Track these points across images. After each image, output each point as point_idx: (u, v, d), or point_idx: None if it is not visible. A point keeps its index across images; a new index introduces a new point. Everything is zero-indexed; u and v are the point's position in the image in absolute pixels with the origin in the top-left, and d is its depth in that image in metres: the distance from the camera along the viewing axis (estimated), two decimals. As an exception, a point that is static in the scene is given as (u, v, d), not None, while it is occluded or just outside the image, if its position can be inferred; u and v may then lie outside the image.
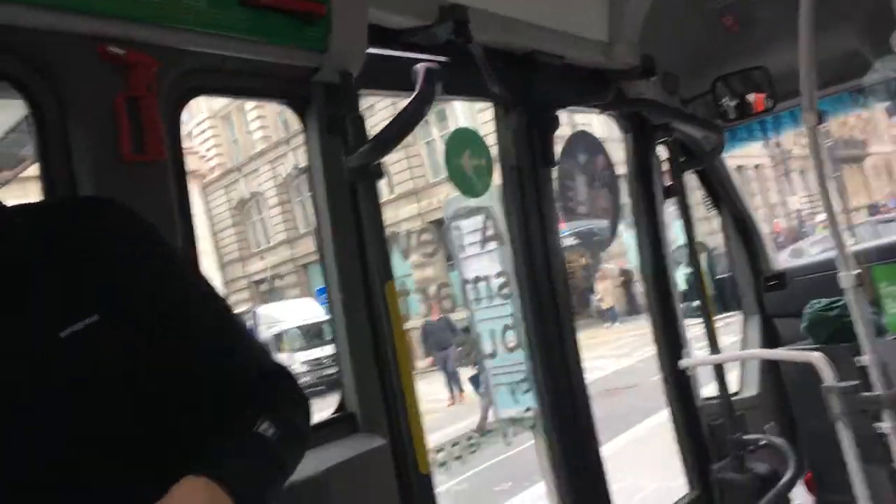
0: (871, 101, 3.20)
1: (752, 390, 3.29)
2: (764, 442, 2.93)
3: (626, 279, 18.66)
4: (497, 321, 2.99)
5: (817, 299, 2.93)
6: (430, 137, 19.51)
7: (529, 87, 2.36)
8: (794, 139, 23.69)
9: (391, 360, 1.77)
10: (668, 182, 3.09)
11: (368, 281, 1.80)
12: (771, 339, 3.43)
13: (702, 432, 2.96)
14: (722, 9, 2.79)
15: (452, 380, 12.24)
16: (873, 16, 2.64)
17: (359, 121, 1.76)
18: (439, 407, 11.09)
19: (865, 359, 2.22)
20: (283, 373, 1.09)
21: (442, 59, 2.00)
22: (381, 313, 1.78)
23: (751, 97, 2.97)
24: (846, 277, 2.29)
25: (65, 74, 1.31)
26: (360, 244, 1.80)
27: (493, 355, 2.39)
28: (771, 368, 3.23)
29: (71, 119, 1.32)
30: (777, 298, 3.44)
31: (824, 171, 2.53)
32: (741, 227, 3.52)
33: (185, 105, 1.53)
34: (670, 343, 3.03)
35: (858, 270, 2.30)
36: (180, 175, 1.48)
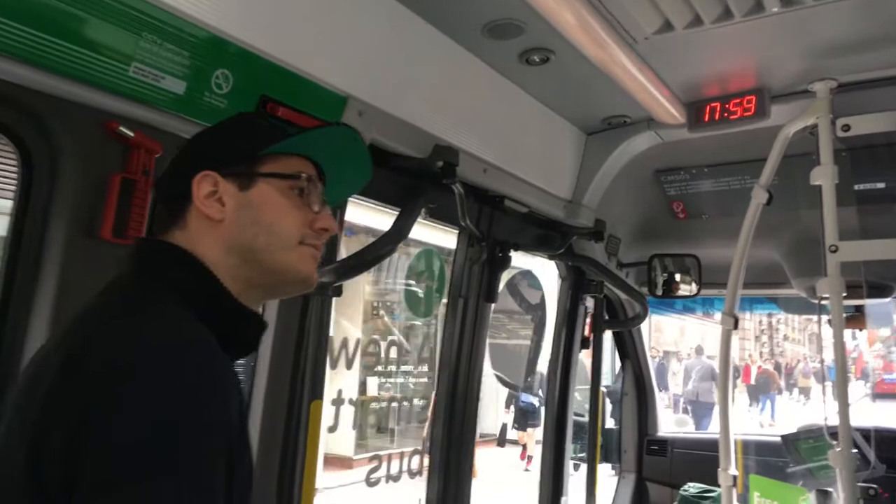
0: (781, 309, 3.49)
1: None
2: None
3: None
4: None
5: (693, 483, 3.09)
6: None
7: (493, 226, 2.45)
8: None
9: (297, 484, 1.72)
10: (587, 333, 3.24)
11: (294, 396, 1.76)
12: (640, 501, 3.58)
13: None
14: (675, 196, 3.01)
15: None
16: (797, 241, 2.93)
17: (335, 238, 1.77)
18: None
19: (726, 556, 2.37)
20: None
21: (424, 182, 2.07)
22: (299, 432, 1.74)
23: (678, 279, 3.20)
24: (724, 475, 2.46)
25: (65, 142, 1.26)
26: (297, 358, 1.77)
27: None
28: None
29: (59, 187, 1.27)
30: (655, 463, 3.62)
31: (729, 367, 2.73)
32: (639, 386, 3.71)
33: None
34: (553, 488, 3.11)
35: (735, 474, 2.47)
36: (148, 261, 1.43)
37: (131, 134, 1.31)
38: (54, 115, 1.25)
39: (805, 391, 21.86)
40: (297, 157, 1.13)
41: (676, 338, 22.36)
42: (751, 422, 15.58)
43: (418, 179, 2.04)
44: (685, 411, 13.77)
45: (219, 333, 0.97)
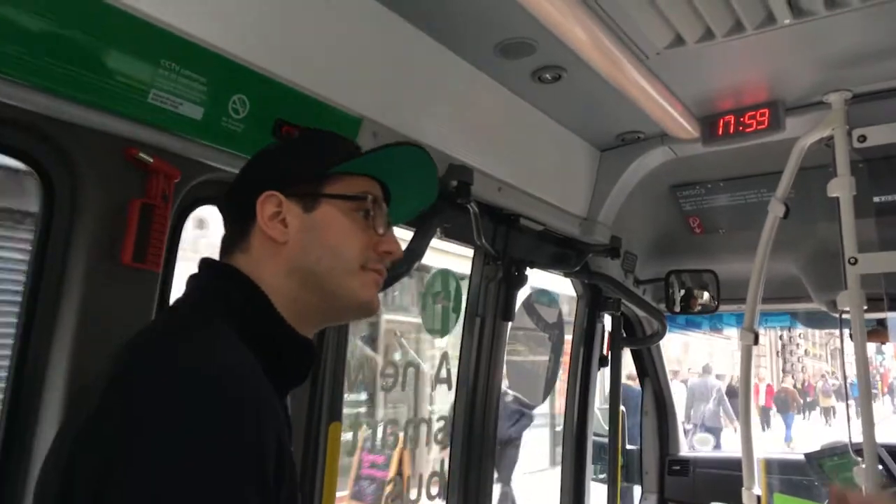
0: (799, 323, 3.46)
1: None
2: None
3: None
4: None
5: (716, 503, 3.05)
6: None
7: (509, 244, 2.45)
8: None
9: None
10: (605, 351, 3.22)
11: (312, 418, 1.76)
12: (664, 521, 3.53)
13: None
14: (691, 211, 3.00)
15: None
16: (816, 254, 2.91)
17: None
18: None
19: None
20: None
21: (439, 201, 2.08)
22: (318, 455, 1.74)
23: (697, 294, 3.17)
24: (748, 495, 2.42)
25: (86, 169, 1.28)
26: (315, 379, 1.76)
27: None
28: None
29: (80, 213, 1.28)
30: (678, 483, 3.57)
31: (749, 384, 2.69)
32: (659, 405, 3.67)
33: (190, 214, 1.51)
34: (574, 508, 3.08)
35: (759, 493, 2.42)
36: (167, 285, 1.44)
37: (150, 160, 1.33)
38: (74, 142, 1.26)
39: (827, 411, 20.75)
40: (362, 177, 1.11)
41: (679, 355, 21.57)
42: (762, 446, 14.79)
43: (432, 199, 2.04)
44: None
45: (268, 360, 0.95)
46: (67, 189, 1.28)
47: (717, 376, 14.23)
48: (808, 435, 15.32)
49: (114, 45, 1.22)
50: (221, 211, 1.17)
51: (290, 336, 1.03)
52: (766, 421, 17.94)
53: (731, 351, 19.31)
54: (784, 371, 26.12)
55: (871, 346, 2.37)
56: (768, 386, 18.98)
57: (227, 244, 1.09)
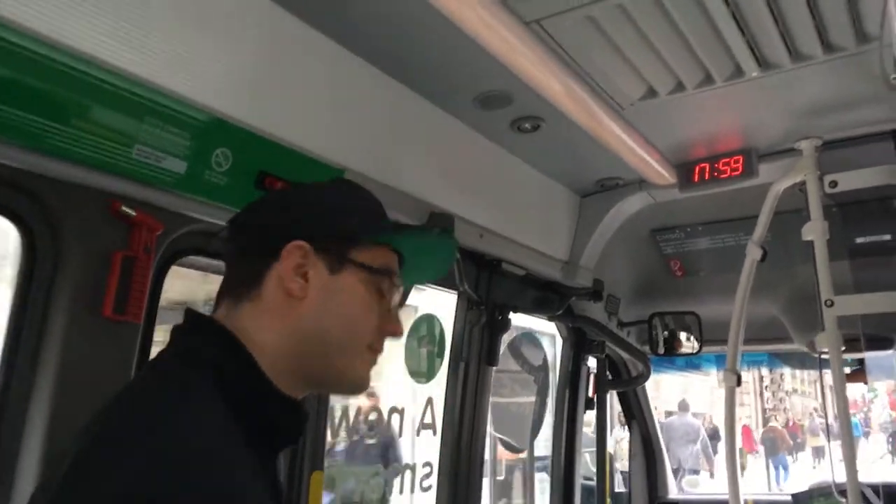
0: (782, 364, 3.48)
1: None
2: None
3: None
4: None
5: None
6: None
7: (492, 289, 2.48)
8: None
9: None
10: (591, 393, 3.23)
11: (294, 467, 1.75)
12: (654, 566, 3.49)
13: None
14: (672, 254, 3.04)
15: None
16: (795, 296, 2.95)
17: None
18: None
19: None
20: None
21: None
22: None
23: (680, 336, 3.20)
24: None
25: (68, 223, 1.30)
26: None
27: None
28: None
29: (62, 267, 1.29)
30: (667, 526, 3.54)
31: (734, 425, 2.70)
32: (647, 448, 3.66)
33: (172, 266, 1.52)
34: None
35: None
36: (147, 337, 1.45)
37: (133, 213, 1.35)
38: (57, 196, 1.28)
39: (817, 451, 19.93)
40: (385, 247, 1.07)
41: (651, 394, 20.46)
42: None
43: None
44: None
45: (254, 423, 0.90)
46: (49, 242, 1.30)
47: (694, 414, 13.65)
48: (798, 476, 14.96)
49: (98, 102, 1.24)
50: (232, 251, 1.08)
51: (279, 398, 0.97)
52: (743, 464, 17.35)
53: (709, 387, 18.96)
54: (767, 411, 25.69)
55: (861, 385, 2.40)
56: (745, 427, 18.40)
57: (234, 288, 1.01)
